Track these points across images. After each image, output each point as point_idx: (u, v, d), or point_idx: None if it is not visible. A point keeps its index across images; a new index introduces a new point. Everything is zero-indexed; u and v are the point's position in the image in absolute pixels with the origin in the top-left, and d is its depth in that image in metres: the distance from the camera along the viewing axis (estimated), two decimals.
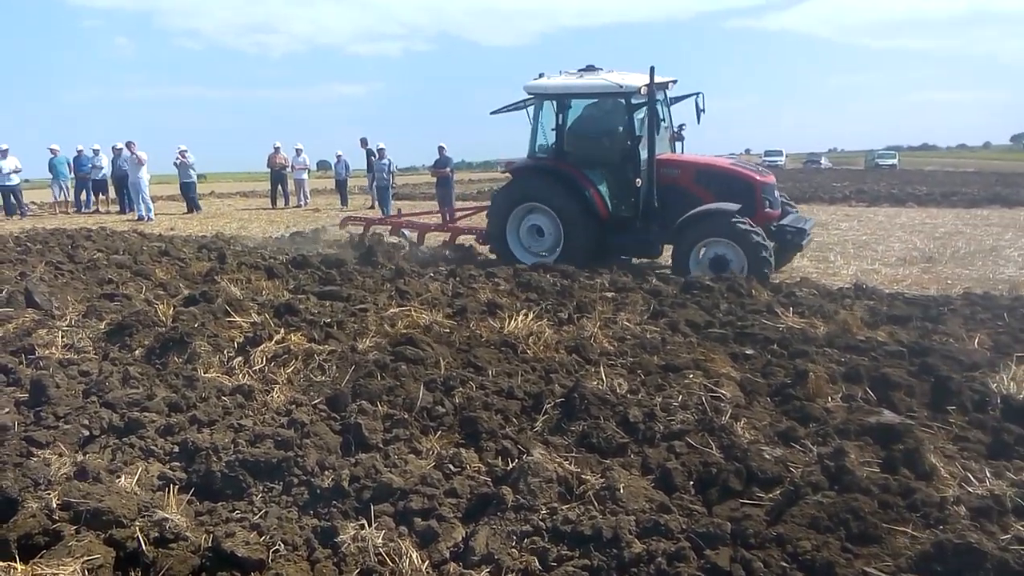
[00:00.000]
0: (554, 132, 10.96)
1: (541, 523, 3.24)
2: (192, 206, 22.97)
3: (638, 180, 10.33)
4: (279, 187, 25.84)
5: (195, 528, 3.29)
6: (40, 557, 2.99)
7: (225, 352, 5.59)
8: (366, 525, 3.25)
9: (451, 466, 3.74)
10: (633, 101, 10.32)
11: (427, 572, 3.02)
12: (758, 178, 10.26)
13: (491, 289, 8.21)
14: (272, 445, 3.93)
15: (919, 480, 3.45)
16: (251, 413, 4.53)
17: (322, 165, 56.32)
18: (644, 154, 10.34)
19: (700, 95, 11.07)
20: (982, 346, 6.03)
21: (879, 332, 6.51)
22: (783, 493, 3.34)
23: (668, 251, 10.70)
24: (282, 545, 3.14)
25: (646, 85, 10.10)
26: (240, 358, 5.47)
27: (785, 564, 2.84)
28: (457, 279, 8.81)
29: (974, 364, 5.37)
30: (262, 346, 5.57)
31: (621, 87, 10.34)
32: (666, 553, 2.93)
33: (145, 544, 3.06)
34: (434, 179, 20.56)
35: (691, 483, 3.61)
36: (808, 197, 26.39)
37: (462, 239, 13.18)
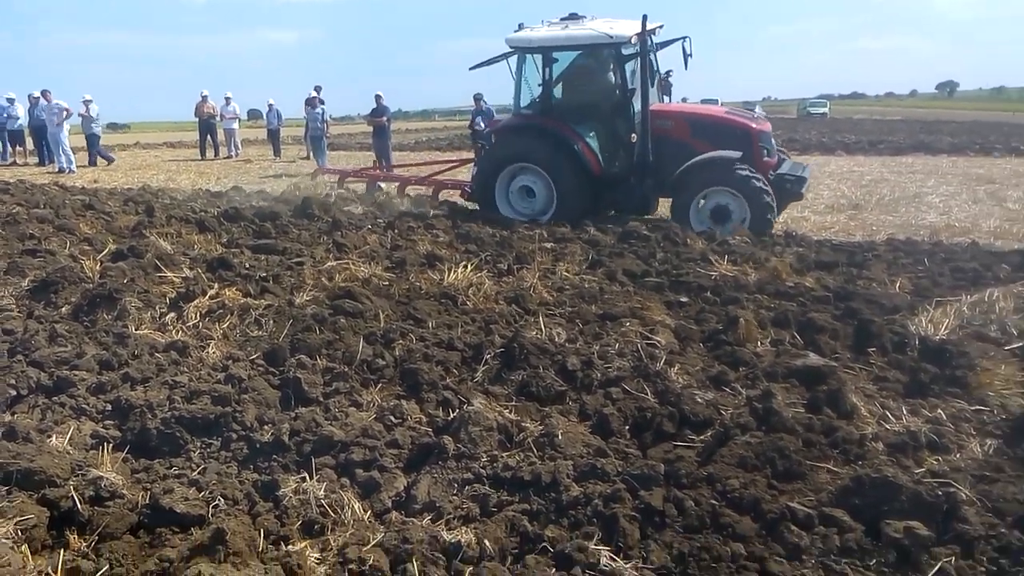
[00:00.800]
0: (539, 87, 10.32)
1: (482, 470, 3.31)
2: (94, 160, 21.89)
3: (633, 135, 9.85)
4: (208, 137, 25.00)
5: (132, 486, 3.25)
6: None
7: (157, 308, 5.47)
8: (307, 478, 3.26)
9: (392, 418, 3.77)
10: (624, 51, 9.76)
11: (369, 521, 3.06)
12: (754, 126, 9.83)
13: (430, 241, 8.19)
14: (209, 401, 3.89)
15: (841, 419, 3.63)
16: (186, 370, 4.45)
17: (253, 114, 54.63)
18: (637, 106, 9.85)
19: (687, 39, 10.48)
20: (903, 290, 6.31)
21: (807, 278, 6.73)
22: (714, 435, 3.48)
23: (663, 205, 10.56)
24: (222, 500, 3.13)
25: (637, 34, 9.64)
26: (173, 314, 5.35)
27: (715, 502, 2.97)
28: (396, 231, 8.74)
29: (895, 307, 5.61)
30: (195, 301, 5.45)
31: (611, 37, 9.72)
32: (602, 495, 3.03)
33: (80, 503, 3.01)
34: (370, 128, 20.10)
35: (627, 428, 3.73)
36: None
37: (445, 194, 12.53)
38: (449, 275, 6.29)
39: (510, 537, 2.92)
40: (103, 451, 3.47)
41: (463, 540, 2.81)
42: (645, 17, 9.66)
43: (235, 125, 25.43)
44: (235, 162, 23.42)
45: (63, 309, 5.55)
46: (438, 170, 13.49)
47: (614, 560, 2.71)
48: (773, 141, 10.20)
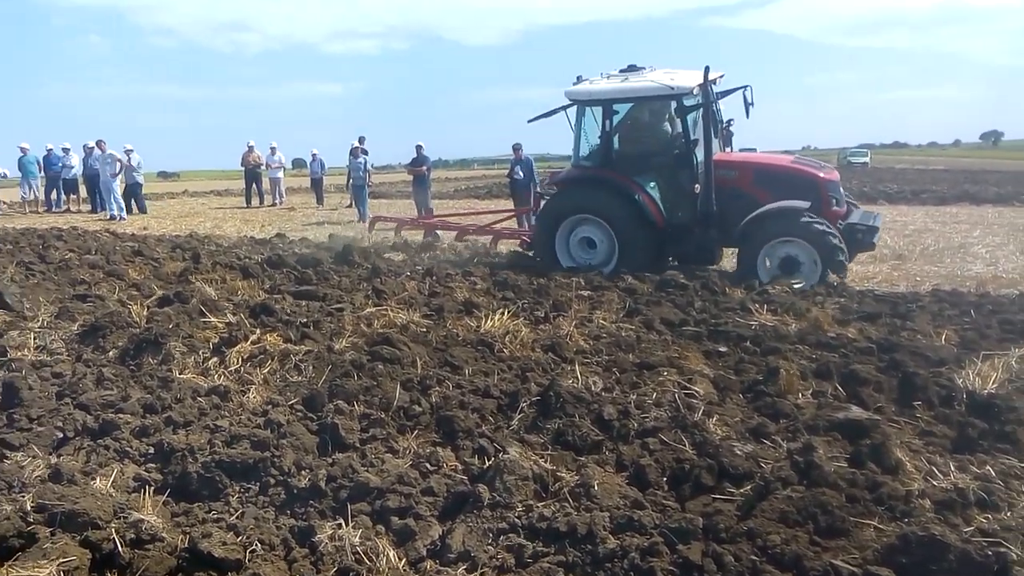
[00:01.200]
0: (599, 139, 10.24)
1: (517, 520, 3.28)
2: (143, 207, 22.54)
3: (696, 186, 9.62)
4: (254, 185, 25.67)
5: (171, 529, 3.29)
6: (15, 560, 2.98)
7: (200, 353, 5.58)
8: (343, 524, 3.27)
9: (428, 465, 3.77)
10: (685, 102, 9.65)
11: (404, 570, 3.04)
12: (822, 175, 9.59)
13: (468, 288, 8.25)
14: (248, 446, 3.93)
15: (885, 474, 3.53)
16: (227, 414, 4.52)
17: (298, 163, 55.99)
18: (700, 156, 9.68)
19: (748, 88, 10.27)
20: (949, 342, 6.17)
21: (849, 329, 6.62)
22: (753, 488, 3.41)
23: (727, 257, 10.49)
24: (259, 545, 3.15)
25: (699, 85, 9.54)
26: (215, 359, 5.46)
27: (755, 557, 2.90)
28: (434, 278, 8.84)
29: (941, 360, 5.48)
30: (237, 346, 5.56)
31: (673, 89, 9.63)
32: (639, 548, 2.98)
33: (121, 545, 3.06)
34: (411, 177, 20.45)
35: (664, 479, 3.67)
36: None
37: (503, 243, 12.50)
38: (486, 322, 6.33)
39: None
40: (145, 494, 3.53)
41: None
42: (707, 68, 9.50)
43: (280, 174, 26.08)
44: (279, 210, 23.96)
45: (110, 353, 5.69)
46: (498, 219, 13.52)
47: None
48: (842, 190, 9.96)
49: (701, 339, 6.29)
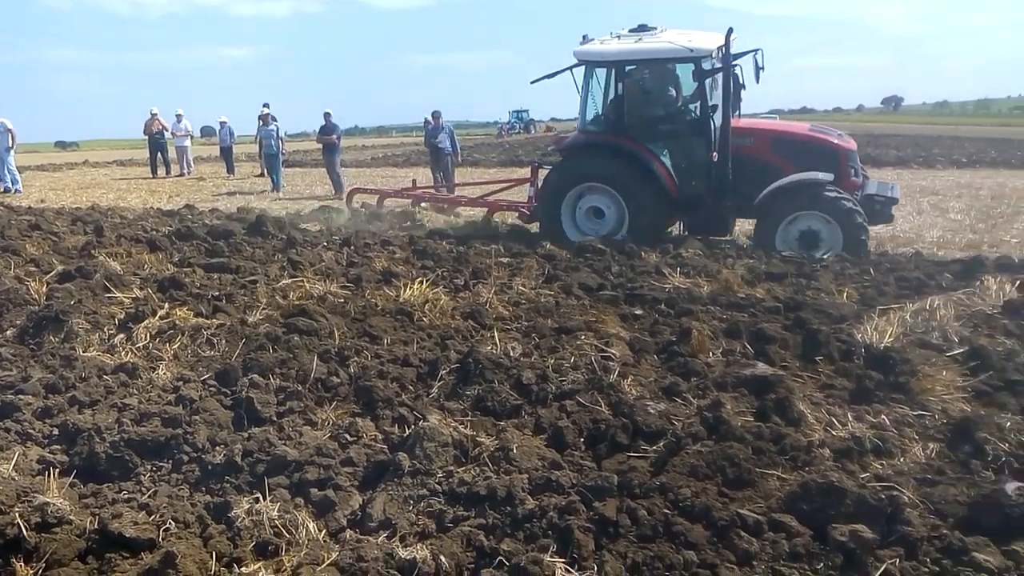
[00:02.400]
0: (610, 103, 9.75)
1: (437, 486, 3.31)
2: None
3: (714, 154, 9.20)
4: (159, 155, 24.62)
5: (80, 511, 3.18)
6: None
7: (105, 330, 5.36)
8: (261, 498, 3.23)
9: (347, 436, 3.75)
10: (704, 65, 9.16)
11: (324, 541, 3.03)
12: (842, 144, 9.30)
13: (386, 257, 8.17)
14: (159, 423, 3.82)
15: (789, 426, 3.71)
16: (135, 391, 4.37)
17: (206, 132, 53.93)
18: (716, 123, 9.26)
19: (759, 51, 9.67)
20: (850, 299, 6.48)
21: (758, 289, 6.88)
22: (666, 445, 3.53)
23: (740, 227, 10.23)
24: (173, 523, 3.08)
25: (720, 47, 9.06)
26: (122, 335, 5.25)
27: (667, 511, 3.01)
28: (352, 248, 8.71)
29: (842, 316, 5.76)
30: (145, 322, 5.36)
31: (692, 50, 9.14)
32: (557, 508, 3.06)
33: (26, 530, 2.94)
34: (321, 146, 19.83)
35: (581, 440, 3.76)
36: None
37: (499, 215, 12.00)
38: (405, 291, 6.29)
39: (466, 552, 2.92)
40: (49, 476, 3.40)
41: (418, 556, 2.81)
42: (730, 30, 9.04)
43: (187, 143, 25.08)
44: (187, 180, 23.09)
45: (8, 332, 5.41)
46: (492, 190, 12.95)
47: (569, 572, 2.73)
48: (858, 160, 9.72)
49: (618, 303, 6.42)
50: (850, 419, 3.88)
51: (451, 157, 15.63)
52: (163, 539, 2.99)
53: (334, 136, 18.09)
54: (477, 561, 2.88)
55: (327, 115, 18.13)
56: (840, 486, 2.99)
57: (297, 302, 5.87)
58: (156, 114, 23.85)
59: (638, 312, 6.10)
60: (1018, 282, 6.61)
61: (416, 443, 3.52)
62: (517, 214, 11.54)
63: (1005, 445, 3.56)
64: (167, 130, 24.13)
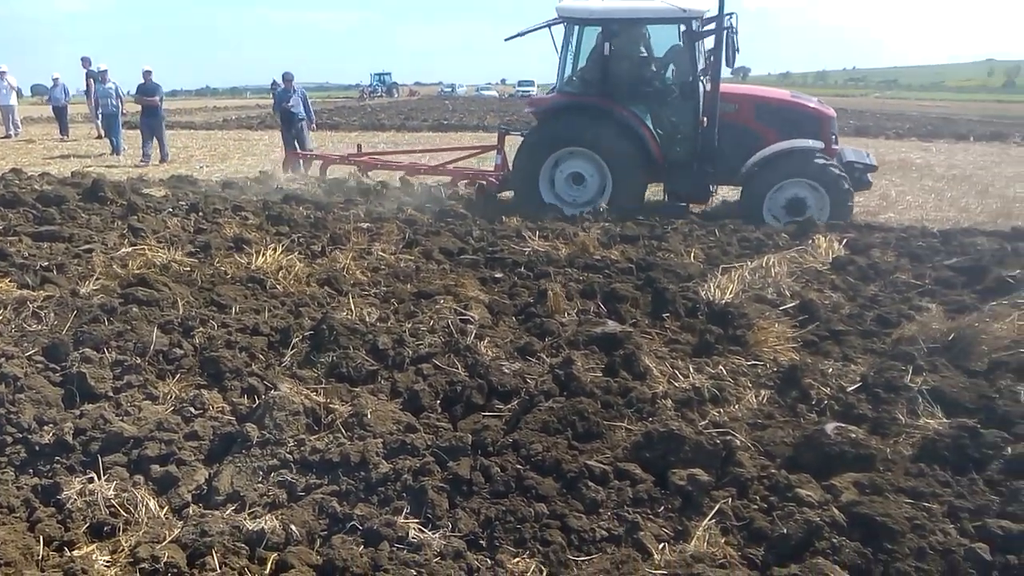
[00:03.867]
0: (592, 63, 9.35)
1: (288, 456, 3.22)
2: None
3: (704, 119, 9.04)
4: None
5: None
6: None
7: None
8: (95, 478, 3.03)
9: (192, 409, 3.57)
10: (694, 27, 9.00)
11: (166, 518, 2.90)
12: (824, 111, 9.28)
13: (238, 224, 7.81)
14: None
15: (635, 380, 3.88)
16: None
17: (37, 90, 49.47)
18: (704, 88, 9.13)
19: (733, 15, 9.13)
20: (697, 259, 6.82)
21: (612, 251, 7.11)
22: (520, 403, 3.60)
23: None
24: None
25: (717, 11, 8.79)
26: None
27: (520, 466, 3.08)
28: (200, 214, 8.25)
29: (689, 275, 6.07)
30: None
31: (685, 11, 8.95)
32: (411, 470, 3.06)
33: None
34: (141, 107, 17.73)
35: (438, 402, 3.77)
36: None
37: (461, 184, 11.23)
38: (257, 258, 6.04)
39: (318, 520, 2.88)
40: None
41: (267, 527, 2.74)
42: None
43: (12, 101, 22.77)
44: (14, 142, 21.05)
45: None
46: (454, 158, 12.05)
47: (422, 531, 2.75)
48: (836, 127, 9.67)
49: (478, 266, 6.46)
50: (692, 371, 4.10)
51: (304, 123, 14.69)
52: None
53: (156, 97, 16.57)
54: (330, 527, 2.84)
55: (147, 73, 16.53)
56: (680, 434, 3.16)
57: (137, 271, 5.52)
58: None
59: (498, 275, 6.17)
60: (845, 240, 7.18)
61: (266, 413, 3.41)
62: (475, 185, 10.85)
63: (827, 389, 3.88)
64: None
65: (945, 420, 3.52)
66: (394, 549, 2.66)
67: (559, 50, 9.67)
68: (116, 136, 17.62)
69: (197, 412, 3.55)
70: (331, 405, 3.60)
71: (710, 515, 2.84)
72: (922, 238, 7.77)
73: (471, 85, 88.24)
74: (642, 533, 2.76)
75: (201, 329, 4.43)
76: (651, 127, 9.33)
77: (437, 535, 2.74)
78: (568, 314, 5.11)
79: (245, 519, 2.81)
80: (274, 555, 2.65)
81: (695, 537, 2.74)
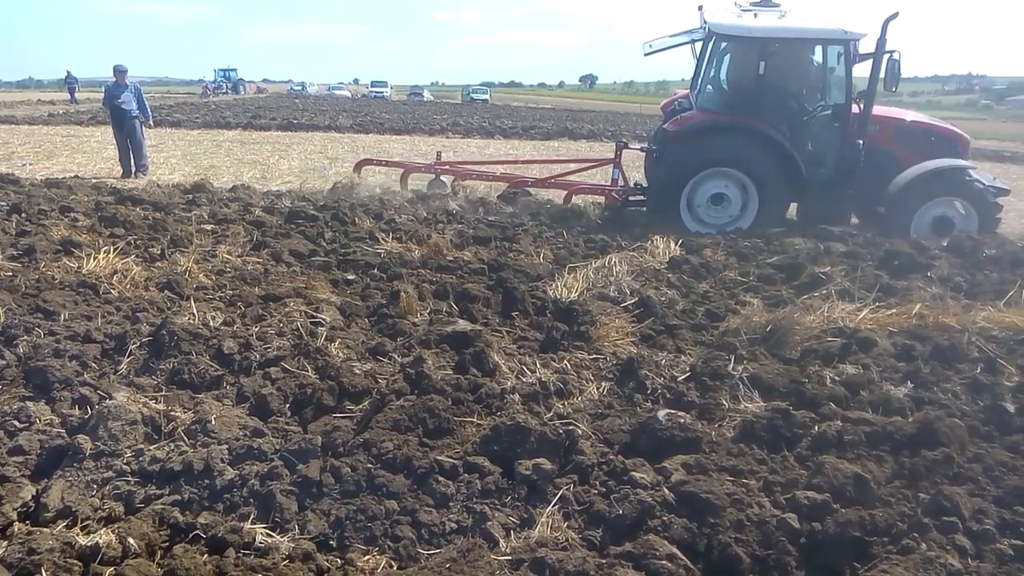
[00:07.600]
0: (739, 81, 9.25)
1: (125, 467, 3.09)
2: None
3: (860, 141, 8.97)
4: None
5: None
6: None
7: None
8: None
9: (16, 422, 3.34)
10: (852, 50, 8.95)
11: None
12: (963, 134, 9.36)
13: (67, 225, 7.30)
14: None
15: (485, 376, 4.00)
16: None
17: None
18: (856, 111, 9.09)
19: (896, 52, 8.97)
20: (546, 259, 7.07)
21: (465, 252, 7.23)
22: (370, 403, 3.62)
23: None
24: None
25: (880, 32, 8.71)
26: None
27: (371, 465, 3.11)
28: (23, 215, 7.64)
29: (538, 275, 6.28)
30: None
31: (847, 33, 8.87)
32: (259, 474, 3.02)
33: None
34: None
35: (287, 406, 3.73)
36: (411, 129, 27.71)
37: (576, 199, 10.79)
38: (89, 262, 5.69)
39: (159, 531, 2.79)
40: None
41: (102, 541, 2.62)
42: (893, 16, 8.67)
43: None
44: None
45: None
46: (571, 170, 11.55)
47: (270, 536, 2.73)
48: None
49: (330, 268, 6.38)
50: (538, 366, 4.27)
51: (138, 120, 13.67)
52: None
53: None
54: (172, 538, 2.76)
55: None
56: (525, 426, 3.31)
57: None
58: None
59: (350, 277, 6.13)
60: (681, 240, 7.67)
61: (99, 424, 3.25)
62: (605, 199, 10.47)
63: (661, 379, 4.17)
64: None
65: (762, 404, 3.88)
66: (240, 555, 2.63)
67: (699, 65, 9.58)
68: None
69: (22, 425, 3.33)
70: (172, 413, 3.48)
71: (553, 502, 2.99)
72: (748, 239, 8.42)
73: (323, 84, 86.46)
74: (490, 523, 2.87)
75: (25, 338, 4.14)
76: (799, 148, 9.27)
77: (285, 538, 2.73)
78: (421, 315, 5.17)
79: (78, 534, 2.68)
80: (110, 569, 2.55)
81: (539, 524, 2.88)
